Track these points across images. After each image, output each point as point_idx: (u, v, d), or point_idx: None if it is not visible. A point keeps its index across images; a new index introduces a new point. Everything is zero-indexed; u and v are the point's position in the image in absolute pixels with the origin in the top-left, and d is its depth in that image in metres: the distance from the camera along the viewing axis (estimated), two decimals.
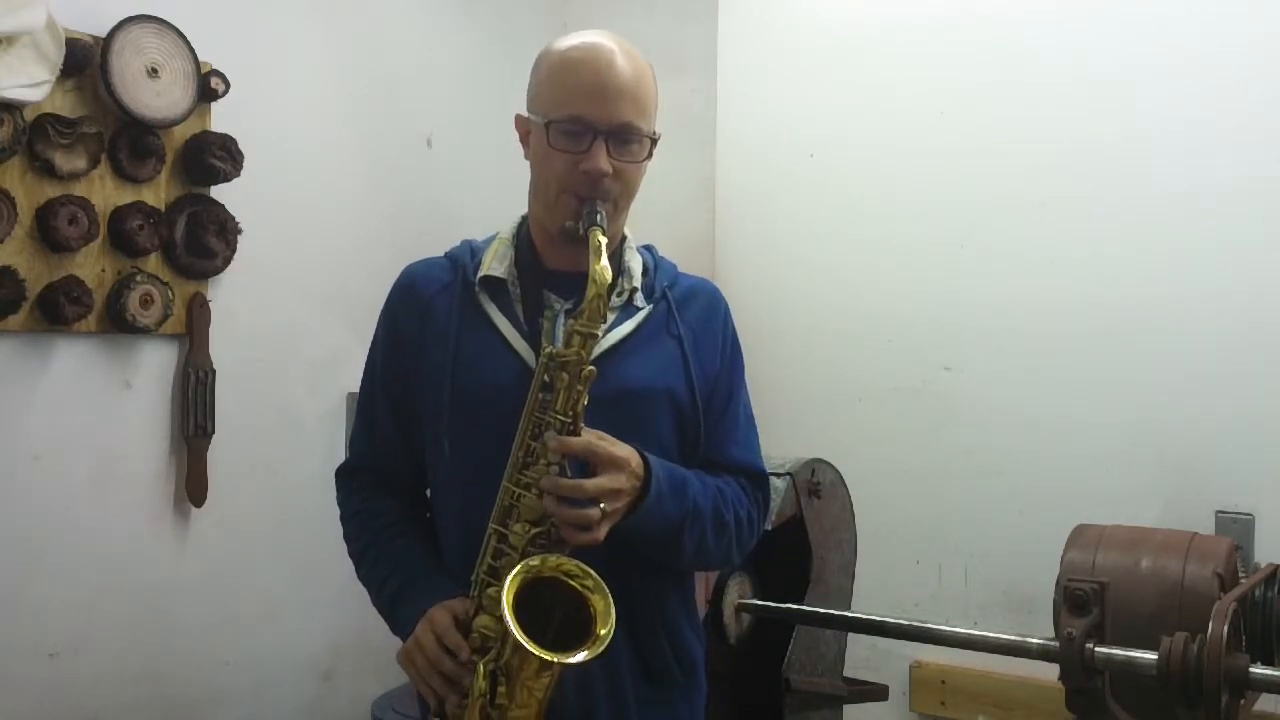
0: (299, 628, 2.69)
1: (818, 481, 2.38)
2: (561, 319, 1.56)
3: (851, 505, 2.52)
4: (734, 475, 1.63)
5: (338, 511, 1.71)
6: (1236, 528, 2.52)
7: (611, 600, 1.39)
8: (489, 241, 1.65)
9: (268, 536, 2.61)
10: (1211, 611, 1.77)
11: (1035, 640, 1.95)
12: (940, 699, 2.92)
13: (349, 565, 1.70)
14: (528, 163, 1.62)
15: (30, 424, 2.22)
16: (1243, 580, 2.08)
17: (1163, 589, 2.03)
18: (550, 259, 1.60)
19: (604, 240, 1.46)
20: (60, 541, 2.26)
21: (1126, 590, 2.01)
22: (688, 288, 1.66)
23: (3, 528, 2.18)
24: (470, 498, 1.54)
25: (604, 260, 1.44)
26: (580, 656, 1.35)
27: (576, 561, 1.42)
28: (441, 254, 1.68)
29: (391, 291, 1.68)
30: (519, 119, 1.61)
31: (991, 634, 2.09)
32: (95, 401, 2.31)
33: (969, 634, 2.13)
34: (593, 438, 1.43)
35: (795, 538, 2.32)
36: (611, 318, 1.56)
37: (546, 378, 1.44)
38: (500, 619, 1.37)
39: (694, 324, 1.63)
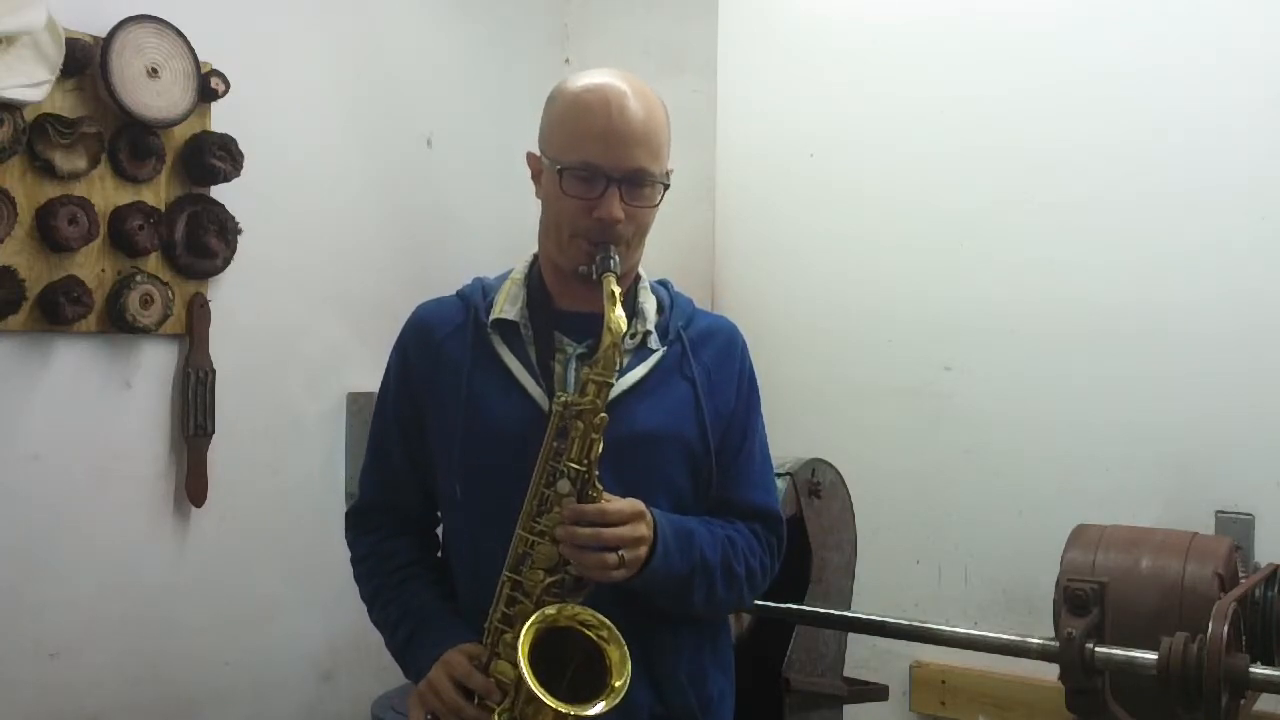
0: (299, 628, 2.69)
1: (818, 481, 2.38)
2: (574, 362, 1.55)
3: (851, 505, 2.52)
4: (747, 519, 1.62)
5: (348, 553, 1.71)
6: (1236, 528, 2.52)
7: (627, 651, 1.39)
8: (501, 280, 1.64)
9: (268, 536, 2.61)
10: (1211, 611, 1.77)
11: (1035, 640, 1.95)
12: (940, 699, 2.92)
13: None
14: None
15: (30, 424, 2.22)
16: (1243, 580, 2.08)
17: (1163, 589, 2.03)
18: (562, 300, 1.60)
19: (618, 289, 1.46)
20: (60, 541, 2.26)
21: (1126, 590, 2.01)
22: (704, 327, 1.65)
23: (3, 528, 2.18)
24: (482, 540, 1.54)
25: (619, 310, 1.44)
26: (598, 708, 1.35)
27: (593, 612, 1.41)
28: (452, 291, 1.68)
29: (403, 330, 1.68)
30: (530, 156, 1.61)
31: (991, 634, 2.09)
32: (95, 401, 2.31)
33: (969, 634, 2.13)
34: (602, 502, 1.43)
35: (795, 538, 2.32)
36: (626, 360, 1.55)
37: (561, 426, 1.44)
38: (516, 667, 1.36)
39: (709, 364, 1.62)
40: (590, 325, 1.50)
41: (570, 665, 1.42)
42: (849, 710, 2.50)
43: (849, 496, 2.51)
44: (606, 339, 1.43)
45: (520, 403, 1.54)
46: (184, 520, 2.46)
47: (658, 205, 1.56)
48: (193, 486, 2.45)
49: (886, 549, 2.89)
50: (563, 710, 1.34)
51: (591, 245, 1.51)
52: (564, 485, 1.43)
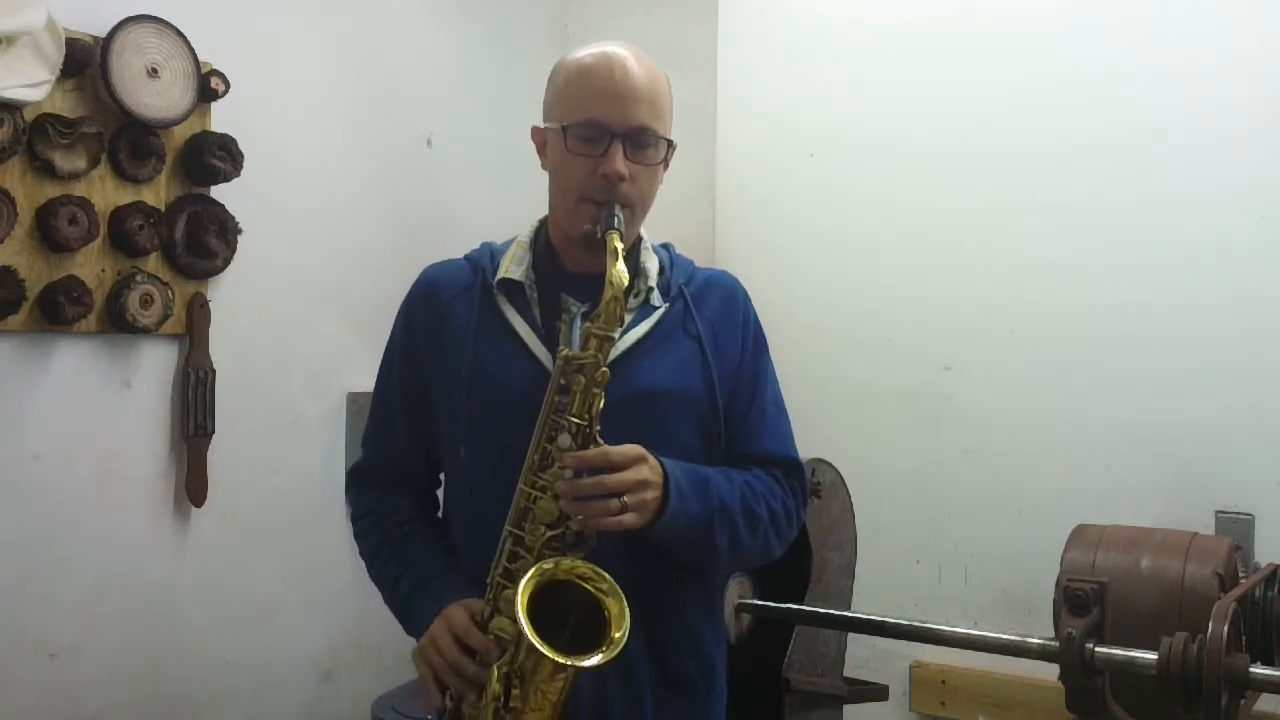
0: (299, 628, 2.69)
1: (818, 481, 2.38)
2: (578, 321, 1.55)
3: (851, 505, 2.52)
4: (766, 467, 1.62)
5: (348, 511, 1.72)
6: (1236, 528, 2.52)
7: (626, 604, 1.39)
8: (508, 245, 1.65)
9: (268, 536, 2.61)
10: (1211, 611, 1.77)
11: (1035, 640, 1.95)
12: (940, 699, 2.92)
13: (349, 565, 1.70)
14: (532, 162, 1.63)
15: (30, 424, 2.22)
16: (1243, 580, 2.08)
17: (1163, 589, 2.03)
18: (570, 261, 1.60)
19: (621, 245, 1.46)
20: (60, 541, 2.26)
21: (1126, 590, 2.01)
22: (704, 281, 1.66)
23: (3, 528, 2.18)
24: (484, 499, 1.54)
25: (621, 263, 1.44)
26: (595, 660, 1.35)
27: (592, 565, 1.41)
28: (460, 256, 1.68)
29: (411, 291, 1.68)
30: (535, 130, 1.62)
31: (991, 634, 2.08)
32: (95, 401, 2.31)
33: (969, 634, 2.12)
34: (605, 447, 1.43)
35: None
36: (628, 319, 1.55)
37: (563, 381, 1.44)
38: (515, 621, 1.37)
39: (713, 319, 1.63)
40: (597, 286, 1.49)
41: (570, 619, 1.42)
42: (849, 710, 2.50)
43: (849, 496, 2.51)
44: (608, 293, 1.43)
45: (524, 362, 1.55)
46: (184, 520, 2.46)
47: (659, 169, 1.57)
48: (193, 486, 2.45)
49: (886, 549, 2.89)
50: (561, 661, 1.34)
51: (596, 206, 1.51)
52: (565, 440, 1.43)
